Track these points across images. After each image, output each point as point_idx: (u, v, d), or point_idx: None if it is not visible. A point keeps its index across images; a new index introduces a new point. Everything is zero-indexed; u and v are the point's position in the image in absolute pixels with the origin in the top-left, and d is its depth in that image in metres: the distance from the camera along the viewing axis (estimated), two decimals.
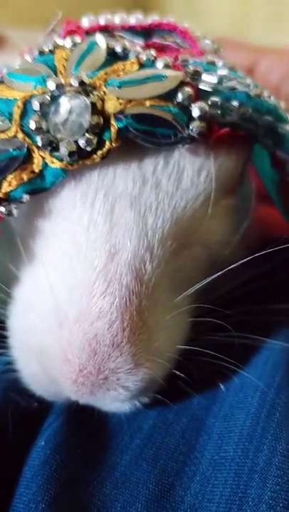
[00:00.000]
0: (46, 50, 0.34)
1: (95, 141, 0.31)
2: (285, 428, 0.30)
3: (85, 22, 0.38)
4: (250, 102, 0.33)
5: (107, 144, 0.31)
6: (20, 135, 0.31)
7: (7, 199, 0.31)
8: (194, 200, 0.33)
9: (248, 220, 0.40)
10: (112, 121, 0.31)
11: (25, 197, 0.32)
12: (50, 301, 0.32)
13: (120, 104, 0.31)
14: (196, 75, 0.33)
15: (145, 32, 0.39)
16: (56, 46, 0.34)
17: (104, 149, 0.31)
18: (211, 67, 0.34)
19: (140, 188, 0.32)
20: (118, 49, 0.33)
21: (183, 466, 0.32)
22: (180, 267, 0.35)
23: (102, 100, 0.31)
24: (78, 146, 0.31)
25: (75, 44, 0.34)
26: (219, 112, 0.32)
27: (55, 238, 0.33)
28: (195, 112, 0.31)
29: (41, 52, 0.34)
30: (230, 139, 0.34)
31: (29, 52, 0.35)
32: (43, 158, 0.31)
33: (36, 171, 0.31)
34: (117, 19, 0.38)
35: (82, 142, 0.31)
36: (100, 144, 0.31)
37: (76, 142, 0.31)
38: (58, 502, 0.31)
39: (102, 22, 0.38)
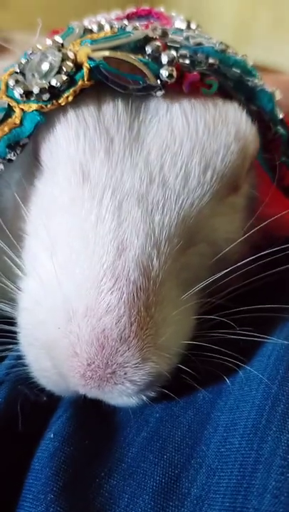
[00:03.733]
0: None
1: (66, 79, 0.33)
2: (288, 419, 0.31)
3: None
4: (217, 54, 0.36)
5: (80, 82, 0.34)
6: (4, 99, 0.35)
7: None
8: (201, 198, 0.34)
9: (252, 219, 0.40)
10: (85, 63, 0.33)
11: (10, 154, 0.34)
12: (58, 297, 0.32)
13: (92, 51, 0.34)
14: (164, 35, 0.35)
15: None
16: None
17: (77, 86, 0.34)
18: (178, 31, 0.37)
19: (147, 185, 0.33)
20: (94, 27, 0.37)
21: (189, 458, 0.33)
22: (186, 264, 0.35)
23: (75, 54, 0.34)
24: (51, 86, 0.33)
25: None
26: (188, 62, 0.35)
27: (62, 234, 0.34)
28: (164, 59, 0.34)
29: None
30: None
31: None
32: (22, 109, 0.34)
33: (17, 122, 0.34)
34: (99, 17, 0.41)
35: (53, 81, 0.33)
36: (72, 84, 0.34)
37: (49, 83, 0.33)
38: (66, 493, 0.31)
39: (86, 23, 0.40)
